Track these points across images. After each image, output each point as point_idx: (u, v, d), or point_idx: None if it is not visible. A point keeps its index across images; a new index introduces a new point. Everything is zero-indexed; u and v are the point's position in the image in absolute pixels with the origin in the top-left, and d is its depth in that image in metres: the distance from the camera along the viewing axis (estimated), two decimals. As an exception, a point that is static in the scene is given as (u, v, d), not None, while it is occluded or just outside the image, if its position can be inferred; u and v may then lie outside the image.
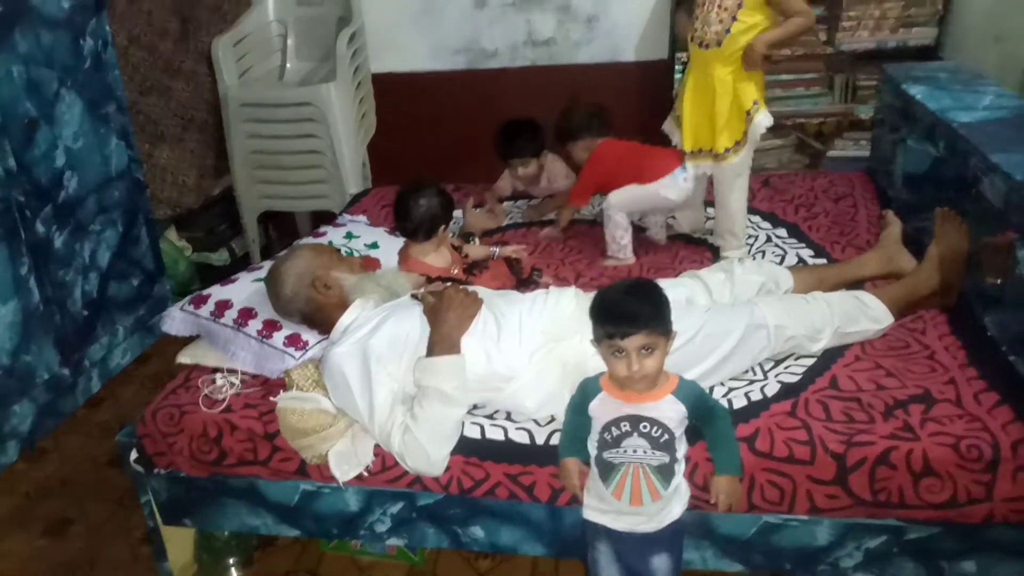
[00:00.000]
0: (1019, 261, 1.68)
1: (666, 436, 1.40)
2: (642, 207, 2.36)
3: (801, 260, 2.23)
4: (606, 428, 1.43)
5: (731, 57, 2.05)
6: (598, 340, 1.42)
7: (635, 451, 1.41)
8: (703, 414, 1.45)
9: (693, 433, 1.50)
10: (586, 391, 1.47)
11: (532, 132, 2.65)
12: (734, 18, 2.01)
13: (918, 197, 2.20)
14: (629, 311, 1.37)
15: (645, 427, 1.40)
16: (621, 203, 2.30)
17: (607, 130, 2.44)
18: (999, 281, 1.82)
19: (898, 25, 2.92)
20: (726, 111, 2.10)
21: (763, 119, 2.11)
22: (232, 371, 1.86)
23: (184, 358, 1.95)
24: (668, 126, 2.32)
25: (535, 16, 3.34)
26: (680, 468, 1.45)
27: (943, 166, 2.13)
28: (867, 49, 2.96)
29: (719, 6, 2.04)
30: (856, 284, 2.01)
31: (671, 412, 1.41)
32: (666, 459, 1.41)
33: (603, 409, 1.44)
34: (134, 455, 1.84)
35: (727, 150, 2.13)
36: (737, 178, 2.19)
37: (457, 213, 2.70)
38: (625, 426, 1.41)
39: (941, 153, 2.12)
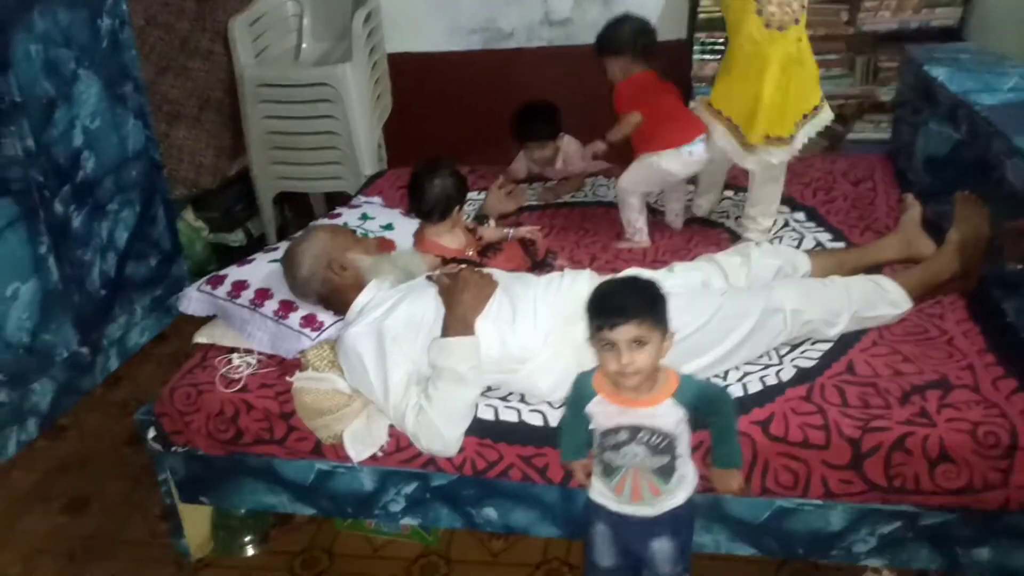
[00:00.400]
0: (1042, 246, 1.66)
1: (665, 441, 1.37)
2: (652, 185, 2.33)
3: (819, 244, 2.21)
4: (605, 434, 1.40)
5: (803, 27, 2.06)
6: (591, 336, 1.37)
7: (634, 457, 1.38)
8: (705, 408, 1.41)
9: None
10: (580, 391, 1.43)
11: (549, 115, 2.62)
12: None
13: (939, 181, 2.17)
14: (618, 302, 1.34)
15: (643, 436, 1.36)
16: (633, 184, 2.27)
17: (650, 58, 2.29)
18: (1020, 267, 1.79)
19: (921, 6, 2.86)
20: (813, 81, 2.11)
21: (827, 113, 2.14)
22: (248, 351, 1.88)
23: (201, 338, 1.97)
24: (704, 115, 2.21)
25: (552, -5, 3.31)
26: (683, 462, 1.42)
27: (965, 149, 2.09)
28: (889, 30, 2.91)
29: None
30: (875, 268, 1.99)
31: (670, 418, 1.36)
32: (666, 460, 1.38)
33: (601, 414, 1.40)
34: (152, 433, 1.87)
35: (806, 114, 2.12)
36: (784, 165, 2.18)
37: (474, 195, 2.70)
38: (623, 435, 1.37)
39: (963, 136, 2.09)
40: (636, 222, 2.31)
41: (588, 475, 1.49)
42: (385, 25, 3.38)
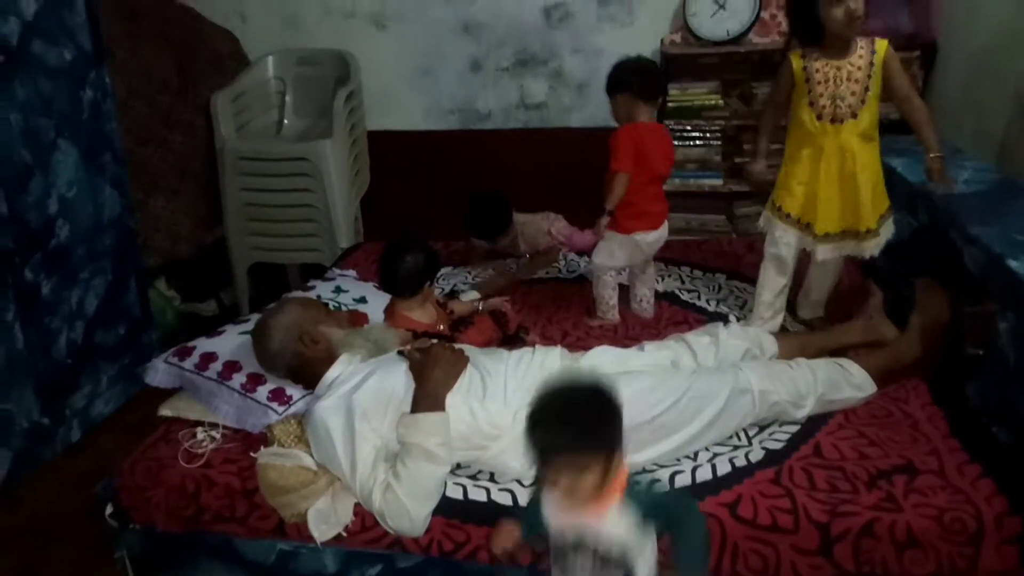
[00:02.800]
0: (1000, 332, 1.70)
1: (618, 552, 1.22)
2: (626, 260, 2.30)
3: (784, 327, 2.25)
4: (555, 534, 1.27)
5: (870, 126, 1.97)
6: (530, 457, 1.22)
7: (583, 571, 1.24)
8: (662, 519, 1.24)
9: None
10: (532, 520, 1.31)
11: (493, 213, 2.68)
12: (867, 88, 1.95)
13: (900, 266, 2.24)
14: (552, 435, 1.17)
15: (591, 543, 1.23)
16: (605, 263, 2.29)
17: (650, 101, 2.20)
18: (980, 352, 1.84)
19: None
20: (871, 185, 1.99)
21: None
22: (213, 424, 1.85)
23: (166, 410, 1.94)
24: (764, 221, 2.15)
25: (528, 81, 3.43)
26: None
27: (924, 236, 2.17)
28: (850, 121, 3.03)
29: (849, 79, 1.94)
30: (839, 352, 2.02)
31: (617, 528, 1.21)
32: (619, 574, 1.23)
33: (552, 523, 1.27)
34: (110, 508, 1.81)
35: (871, 229, 2.02)
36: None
37: (447, 270, 2.73)
38: (570, 538, 1.25)
39: (922, 224, 2.17)
40: (610, 299, 2.33)
41: (511, 544, 1.40)
42: (366, 103, 3.47)
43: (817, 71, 1.97)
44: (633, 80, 2.18)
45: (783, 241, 2.09)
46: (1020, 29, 2.38)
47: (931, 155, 2.00)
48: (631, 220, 2.22)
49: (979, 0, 2.61)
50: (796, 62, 2.00)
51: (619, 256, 2.28)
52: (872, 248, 2.05)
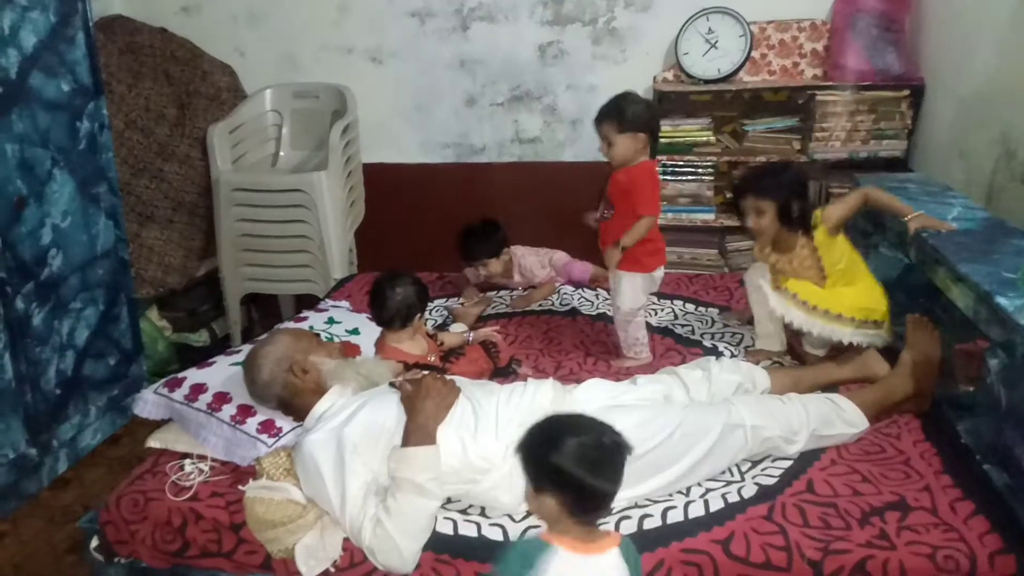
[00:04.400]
0: (990, 370, 1.71)
1: None
2: (645, 297, 2.28)
3: (777, 361, 2.25)
4: None
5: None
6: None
7: None
8: None
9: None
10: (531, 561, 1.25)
11: (486, 235, 2.70)
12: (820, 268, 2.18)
13: (891, 303, 2.25)
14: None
15: None
16: (634, 305, 2.23)
17: (652, 138, 2.16)
18: (971, 389, 1.84)
19: (869, 137, 3.04)
20: None
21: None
22: (202, 457, 1.83)
23: (154, 442, 1.92)
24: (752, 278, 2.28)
25: (522, 116, 3.47)
26: None
27: (914, 274, 2.18)
28: (839, 158, 3.08)
29: (800, 266, 2.17)
30: (830, 387, 2.03)
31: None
32: None
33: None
34: (95, 542, 1.79)
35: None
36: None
37: (440, 301, 2.74)
38: None
39: (912, 261, 2.18)
40: (644, 338, 2.28)
41: None
42: (362, 137, 3.50)
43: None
44: (655, 124, 2.16)
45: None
46: (1005, 79, 2.43)
47: (908, 218, 2.08)
48: (651, 257, 2.21)
49: (965, 48, 2.66)
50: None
51: (643, 295, 2.25)
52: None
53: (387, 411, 1.70)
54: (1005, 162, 2.37)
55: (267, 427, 1.81)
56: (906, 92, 2.96)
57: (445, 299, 2.79)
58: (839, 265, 2.14)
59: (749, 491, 1.68)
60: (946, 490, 1.65)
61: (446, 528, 1.62)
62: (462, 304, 2.71)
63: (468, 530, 1.62)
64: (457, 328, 2.36)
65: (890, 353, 2.07)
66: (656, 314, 2.56)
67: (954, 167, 2.70)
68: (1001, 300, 1.67)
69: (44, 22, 2.46)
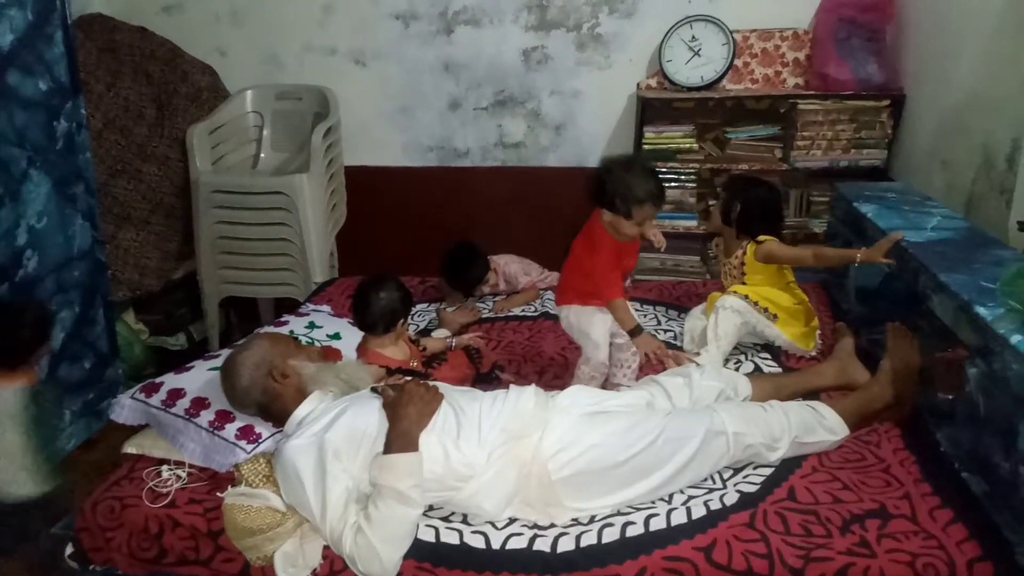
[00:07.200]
0: (969, 378, 1.72)
1: None
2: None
3: (758, 368, 2.26)
4: None
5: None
6: None
7: None
8: None
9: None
10: None
11: (469, 263, 2.71)
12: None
13: (871, 311, 2.27)
14: None
15: None
16: (600, 340, 2.10)
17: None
18: (951, 397, 1.86)
19: (850, 146, 3.07)
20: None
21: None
22: (179, 463, 1.80)
23: (130, 448, 1.89)
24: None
25: (506, 121, 3.46)
26: None
27: (895, 282, 2.20)
28: (820, 167, 3.10)
29: (728, 275, 2.42)
30: (811, 395, 2.04)
31: None
32: None
33: None
34: (69, 549, 1.75)
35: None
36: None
37: (423, 307, 2.72)
38: None
39: (892, 269, 2.20)
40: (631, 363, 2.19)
41: None
42: (345, 139, 3.47)
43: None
44: (625, 198, 1.91)
45: None
46: (985, 90, 2.46)
47: (859, 258, 2.15)
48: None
49: (946, 59, 2.70)
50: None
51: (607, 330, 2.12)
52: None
53: (369, 417, 1.68)
54: (985, 172, 2.40)
55: (246, 433, 1.78)
56: (887, 102, 3.00)
57: (427, 304, 2.77)
58: (759, 287, 2.32)
59: (731, 499, 1.69)
60: (925, 498, 1.66)
61: (428, 536, 1.60)
62: (446, 308, 2.69)
63: (450, 537, 1.61)
64: (440, 334, 2.35)
65: (870, 359, 2.09)
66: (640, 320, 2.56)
67: (934, 177, 2.73)
68: (980, 309, 1.69)
69: (21, 19, 2.41)
